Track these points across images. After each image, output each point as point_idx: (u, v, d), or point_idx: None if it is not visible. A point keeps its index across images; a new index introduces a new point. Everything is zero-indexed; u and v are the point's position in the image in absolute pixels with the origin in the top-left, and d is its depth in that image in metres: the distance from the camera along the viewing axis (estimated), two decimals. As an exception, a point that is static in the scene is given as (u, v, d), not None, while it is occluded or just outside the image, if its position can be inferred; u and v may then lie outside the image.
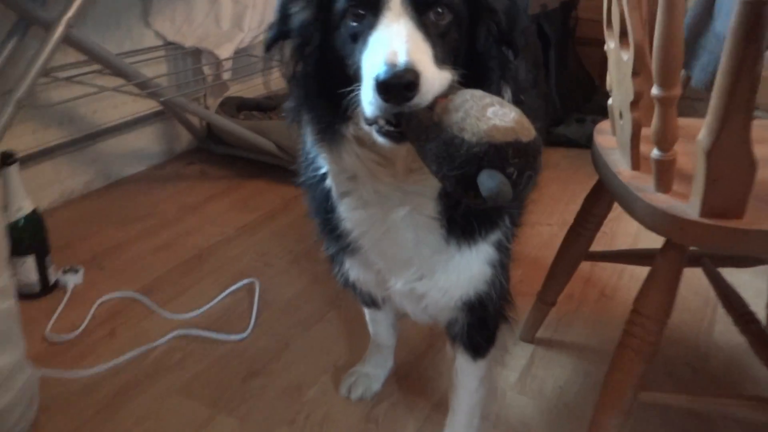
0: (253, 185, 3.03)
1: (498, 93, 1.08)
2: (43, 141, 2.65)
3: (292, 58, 1.13)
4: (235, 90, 3.36)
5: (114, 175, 3.00)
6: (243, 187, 3.02)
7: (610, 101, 1.52)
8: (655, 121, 1.20)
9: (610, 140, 1.53)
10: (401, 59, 0.87)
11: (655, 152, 1.23)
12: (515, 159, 0.81)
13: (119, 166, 3.02)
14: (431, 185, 1.12)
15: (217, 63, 2.93)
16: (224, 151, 3.25)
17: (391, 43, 0.91)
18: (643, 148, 1.34)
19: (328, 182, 1.21)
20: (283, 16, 1.13)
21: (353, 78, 1.02)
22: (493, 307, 1.32)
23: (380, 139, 0.98)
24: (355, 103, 1.01)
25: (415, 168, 1.09)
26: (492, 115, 0.83)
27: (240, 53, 3.08)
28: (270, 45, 1.15)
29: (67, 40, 2.23)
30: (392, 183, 1.12)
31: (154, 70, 2.93)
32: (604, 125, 1.61)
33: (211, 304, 2.13)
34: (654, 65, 1.16)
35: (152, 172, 3.14)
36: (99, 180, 2.93)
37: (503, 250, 1.28)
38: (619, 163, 1.42)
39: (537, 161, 0.83)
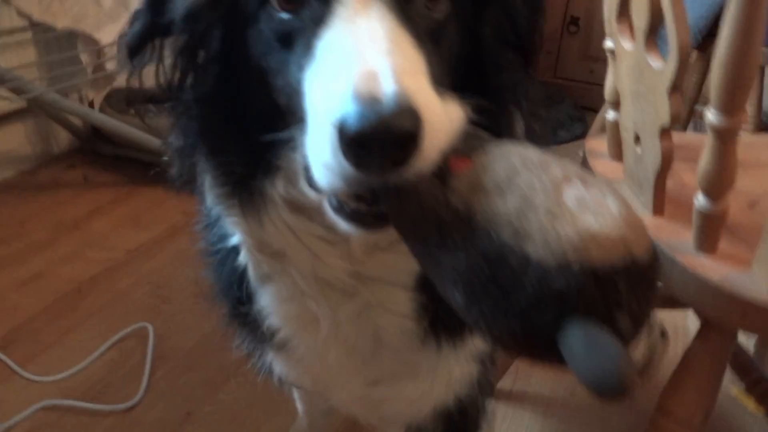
0: (148, 194, 2.55)
1: (510, 125, 0.70)
2: None
3: (176, 67, 0.72)
4: (123, 81, 2.83)
5: (-29, 184, 2.45)
6: (135, 198, 2.53)
7: (610, 115, 1.17)
8: (706, 159, 0.86)
9: (611, 167, 1.18)
10: (386, 87, 0.48)
11: (701, 201, 0.89)
12: (630, 295, 0.44)
13: (-23, 173, 2.47)
14: (405, 269, 0.73)
15: (98, 49, 2.40)
16: (113, 151, 2.76)
17: (362, 54, 0.51)
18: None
19: (242, 258, 0.80)
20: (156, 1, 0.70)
21: (285, 109, 0.62)
22: (476, 411, 0.95)
23: (341, 223, 0.59)
24: (289, 150, 0.61)
25: (383, 246, 0.70)
26: (576, 205, 0.46)
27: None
28: (135, 47, 0.72)
29: None
30: (343, 267, 0.72)
31: (18, 57, 2.38)
32: (596, 145, 1.26)
33: (90, 359, 1.70)
34: (714, 81, 0.81)
35: (22, 179, 2.61)
36: (-49, 192, 2.38)
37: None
38: (633, 201, 1.07)
39: (656, 289, 0.46)
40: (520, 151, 0.51)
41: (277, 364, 0.94)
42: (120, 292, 1.97)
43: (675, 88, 0.90)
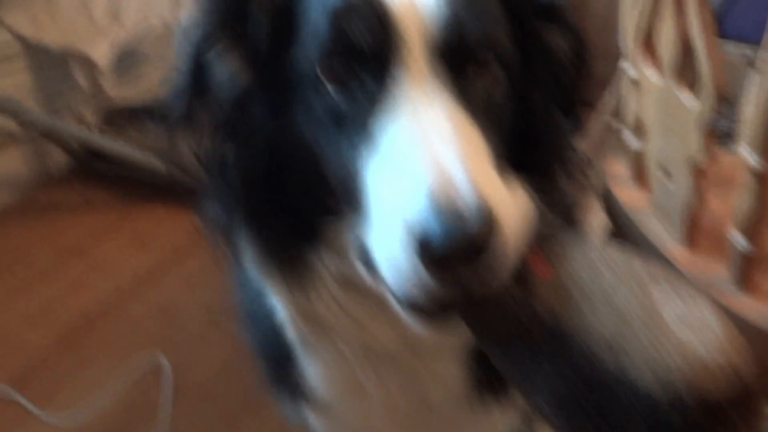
0: (152, 213, 2.51)
1: (561, 198, 0.69)
2: None
3: (214, 139, 0.69)
4: (120, 96, 2.79)
5: (-30, 211, 2.41)
6: (139, 217, 2.49)
7: (633, 143, 1.16)
8: (743, 199, 0.85)
9: (635, 195, 1.17)
10: (468, 198, 0.47)
11: (738, 241, 0.88)
12: (744, 425, 0.43)
13: (-24, 199, 2.43)
14: (457, 341, 0.72)
15: (93, 68, 2.37)
16: (112, 170, 2.69)
17: (433, 152, 0.50)
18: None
19: (289, 333, 0.78)
20: (196, 74, 0.68)
21: (337, 191, 0.60)
22: None
23: (407, 317, 0.58)
24: (339, 224, 0.60)
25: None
26: (676, 321, 0.44)
27: (122, 53, 2.53)
28: (175, 125, 0.70)
29: None
30: (393, 338, 0.71)
31: (13, 81, 2.34)
32: (619, 170, 1.25)
33: (106, 398, 1.67)
34: (750, 120, 0.80)
35: (21, 204, 2.56)
36: (-51, 222, 2.33)
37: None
38: (662, 234, 1.06)
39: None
40: (600, 251, 0.50)
41: (315, 420, 0.93)
42: (130, 321, 1.95)
43: (708, 126, 0.89)
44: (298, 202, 0.66)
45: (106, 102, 2.53)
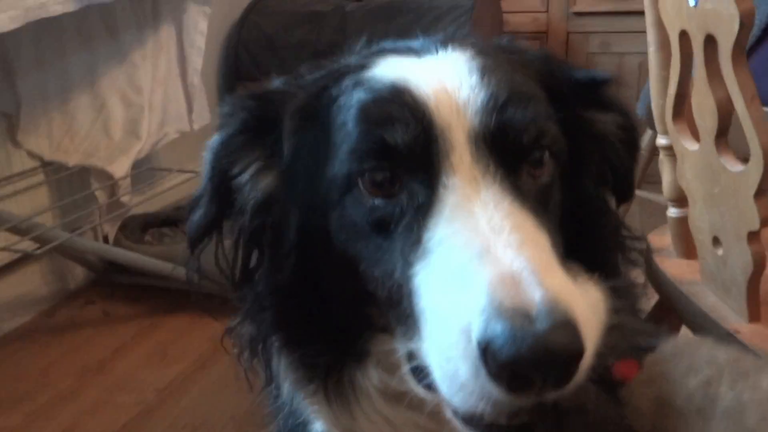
0: (173, 324, 2.46)
1: (629, 287, 0.63)
2: None
3: (244, 256, 0.66)
4: (137, 204, 2.80)
5: (-10, 332, 2.36)
6: (159, 329, 2.44)
7: (673, 213, 1.11)
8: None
9: (683, 266, 1.11)
10: (533, 294, 0.41)
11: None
12: None
13: (-4, 319, 2.39)
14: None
15: (112, 185, 2.38)
16: (131, 281, 2.67)
17: (492, 252, 0.45)
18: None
19: None
20: (220, 184, 0.65)
21: (384, 300, 0.55)
22: None
23: None
24: (384, 336, 0.54)
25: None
26: None
27: (139, 165, 2.56)
28: (198, 238, 0.66)
29: None
30: None
31: (31, 199, 2.35)
32: (660, 241, 1.19)
33: None
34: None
35: (39, 322, 2.52)
36: (-32, 345, 2.29)
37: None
38: (719, 306, 0.99)
39: None
40: (704, 353, 0.44)
41: None
42: (156, 440, 1.86)
43: (761, 191, 0.84)
44: (338, 315, 0.61)
45: (123, 213, 2.53)
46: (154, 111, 2.60)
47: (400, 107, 0.56)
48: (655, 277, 1.13)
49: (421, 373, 0.53)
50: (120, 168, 2.39)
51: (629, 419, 0.43)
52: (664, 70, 1.03)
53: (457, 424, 0.53)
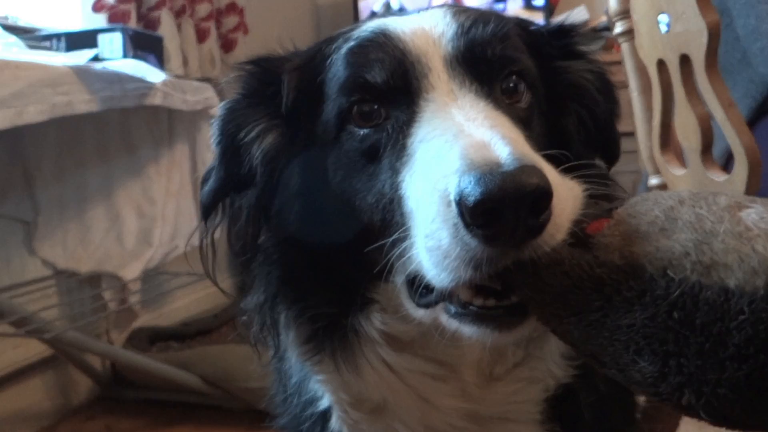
0: (178, 435, 2.38)
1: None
2: None
3: (252, 219, 0.69)
4: (146, 319, 2.82)
5: (-13, 450, 2.29)
6: (165, 441, 2.36)
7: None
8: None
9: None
10: (501, 152, 0.44)
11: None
12: None
13: (-5, 434, 2.32)
14: (529, 399, 0.64)
15: (122, 286, 2.41)
16: (136, 395, 2.63)
17: (467, 130, 0.48)
18: None
19: (334, 424, 0.70)
20: (228, 147, 0.69)
21: (379, 224, 0.58)
22: None
23: (467, 329, 0.52)
24: (383, 280, 0.56)
25: (499, 374, 0.62)
26: (758, 223, 0.40)
27: (150, 273, 2.59)
28: (209, 205, 0.70)
29: None
30: (456, 407, 0.63)
31: (42, 303, 2.37)
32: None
33: None
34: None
35: (41, 437, 2.44)
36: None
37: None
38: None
39: None
40: (667, 194, 0.47)
41: None
42: None
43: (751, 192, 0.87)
44: (340, 263, 0.63)
45: (131, 321, 2.54)
46: (166, 222, 2.68)
47: (379, 46, 0.63)
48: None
49: (416, 289, 0.54)
50: (131, 272, 2.44)
51: (600, 259, 0.44)
52: (648, 111, 1.09)
53: (453, 325, 0.53)
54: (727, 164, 0.89)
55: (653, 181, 1.14)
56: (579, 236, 0.48)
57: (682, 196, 0.46)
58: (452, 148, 0.49)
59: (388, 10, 3.61)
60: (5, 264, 2.34)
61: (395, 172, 0.57)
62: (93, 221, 2.54)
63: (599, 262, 0.45)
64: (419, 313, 0.58)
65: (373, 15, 3.57)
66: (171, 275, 2.74)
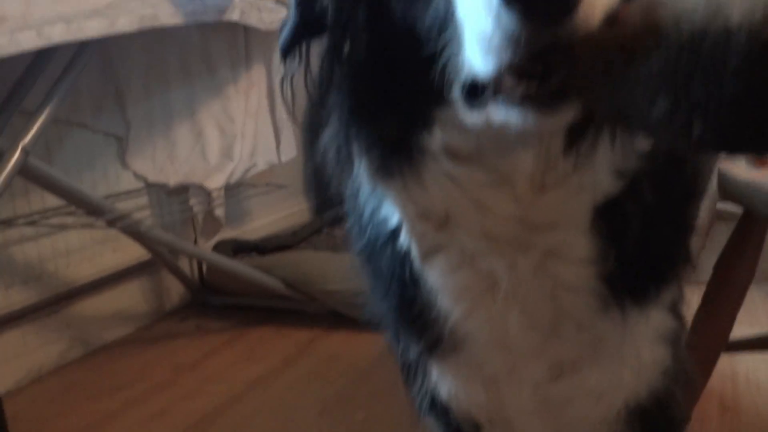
0: (259, 333, 2.59)
1: None
2: (5, 305, 2.20)
3: (327, 61, 0.76)
4: (229, 235, 3.01)
5: (93, 342, 2.54)
6: (247, 337, 2.57)
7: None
8: None
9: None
10: None
11: None
12: None
13: (99, 330, 2.57)
14: (578, 207, 0.70)
15: (208, 194, 2.58)
16: (223, 301, 2.85)
17: None
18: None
19: (403, 239, 0.79)
20: None
21: (436, 47, 0.63)
22: (675, 410, 0.85)
23: (514, 115, 0.57)
24: (443, 100, 0.63)
25: (550, 183, 0.68)
26: None
27: (231, 189, 2.76)
28: (287, 48, 0.77)
29: (25, 171, 1.87)
30: (512, 215, 0.70)
31: (137, 213, 2.58)
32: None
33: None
34: None
35: (139, 334, 2.68)
36: (75, 349, 2.47)
37: (680, 318, 0.84)
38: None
39: None
40: None
41: (445, 380, 0.88)
42: (244, 420, 1.94)
43: None
44: (405, 87, 0.69)
45: (217, 230, 2.72)
46: (246, 140, 2.82)
47: None
48: (730, 185, 1.16)
49: (469, 93, 0.60)
50: (215, 182, 2.60)
51: (624, 28, 0.50)
52: None
53: (501, 115, 0.57)
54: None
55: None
56: (612, 23, 0.52)
57: None
58: None
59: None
60: (102, 175, 2.54)
61: None
62: (179, 137, 2.70)
63: (623, 32, 0.50)
64: (474, 118, 0.62)
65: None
66: (252, 187, 2.89)
